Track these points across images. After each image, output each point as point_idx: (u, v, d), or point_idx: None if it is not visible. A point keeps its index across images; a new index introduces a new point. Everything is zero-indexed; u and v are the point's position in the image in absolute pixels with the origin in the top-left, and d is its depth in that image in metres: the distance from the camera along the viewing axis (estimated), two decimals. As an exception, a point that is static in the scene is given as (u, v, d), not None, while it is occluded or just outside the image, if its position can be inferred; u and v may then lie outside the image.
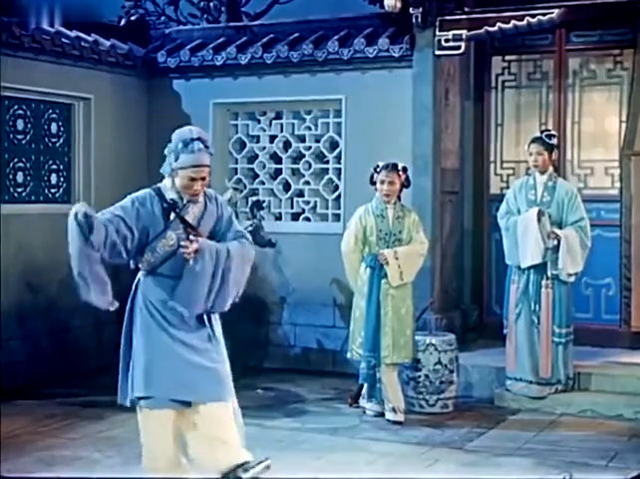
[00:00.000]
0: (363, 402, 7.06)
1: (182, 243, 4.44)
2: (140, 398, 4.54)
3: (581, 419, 6.92)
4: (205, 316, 4.66)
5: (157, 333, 4.50)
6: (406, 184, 6.90)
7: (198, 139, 4.49)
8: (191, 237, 4.46)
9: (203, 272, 4.45)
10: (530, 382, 7.14)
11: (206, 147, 4.52)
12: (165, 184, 4.59)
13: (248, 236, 4.81)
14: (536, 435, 6.48)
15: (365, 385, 6.96)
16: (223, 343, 4.83)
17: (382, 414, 6.87)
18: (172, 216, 4.51)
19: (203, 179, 4.50)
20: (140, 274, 4.63)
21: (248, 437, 6.35)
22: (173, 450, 4.63)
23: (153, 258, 4.51)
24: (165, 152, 4.57)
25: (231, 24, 9.83)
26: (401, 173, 6.84)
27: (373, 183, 6.90)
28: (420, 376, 7.07)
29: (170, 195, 4.53)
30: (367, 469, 5.68)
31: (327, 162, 8.93)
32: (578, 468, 5.66)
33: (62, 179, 8.69)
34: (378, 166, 6.86)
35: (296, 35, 8.95)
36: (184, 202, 4.53)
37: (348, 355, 7.03)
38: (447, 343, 7.12)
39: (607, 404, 7.01)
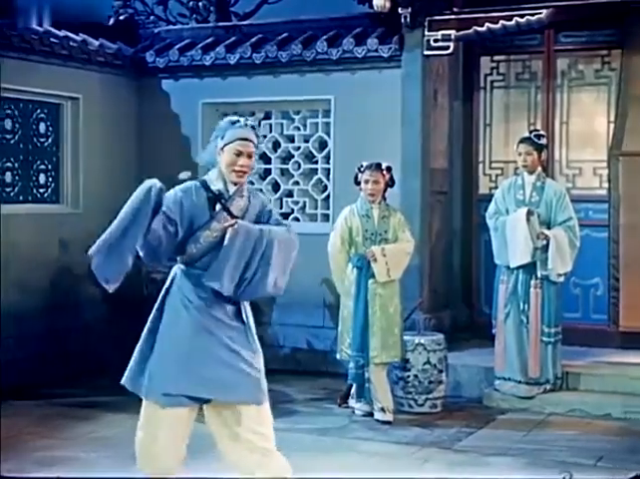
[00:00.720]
0: (352, 402, 7.06)
1: (212, 226, 4.36)
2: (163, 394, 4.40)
3: (570, 419, 6.94)
4: (241, 310, 4.55)
5: (190, 328, 4.39)
6: (390, 183, 6.93)
7: (246, 119, 4.52)
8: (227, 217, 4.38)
9: (240, 248, 4.34)
10: (519, 382, 7.16)
11: (253, 128, 4.49)
12: (211, 175, 4.49)
13: (292, 227, 4.73)
14: (525, 435, 6.50)
15: (354, 385, 6.96)
16: (257, 340, 4.72)
17: (371, 414, 6.88)
18: (218, 206, 4.40)
19: (249, 156, 4.42)
20: (176, 268, 4.51)
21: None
22: (182, 452, 4.60)
23: (195, 249, 4.38)
24: (211, 138, 4.53)
25: (220, 24, 9.82)
26: (385, 172, 6.86)
27: (357, 183, 6.92)
28: (409, 376, 7.08)
29: (217, 186, 4.43)
30: (357, 469, 5.69)
31: (316, 162, 8.93)
32: (567, 467, 5.67)
33: (50, 179, 8.67)
34: (362, 166, 6.88)
35: (285, 35, 8.95)
36: (230, 193, 4.45)
37: (337, 356, 7.04)
38: (436, 343, 7.14)
39: (595, 404, 7.04)
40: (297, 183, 9.02)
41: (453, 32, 8.02)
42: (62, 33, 8.60)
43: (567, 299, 7.92)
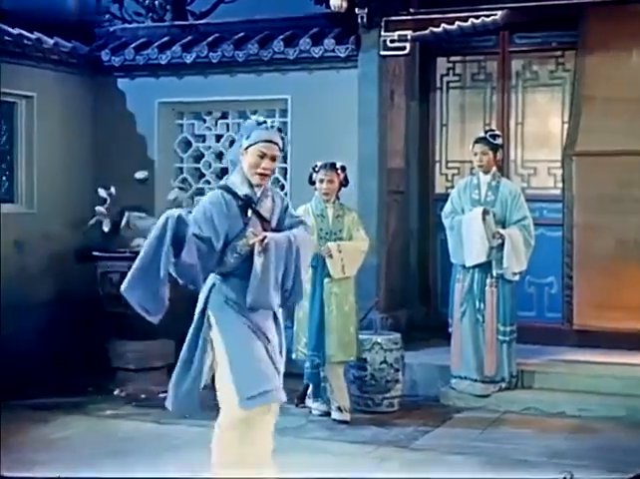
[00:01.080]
0: (309, 402, 7.07)
1: (247, 234, 4.34)
2: (258, 394, 4.40)
3: (525, 417, 7.00)
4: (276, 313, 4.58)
5: (249, 331, 4.40)
6: (344, 182, 6.96)
7: (272, 122, 4.51)
8: (255, 231, 4.36)
9: (276, 264, 4.34)
10: (475, 380, 7.21)
11: (280, 131, 4.49)
12: (233, 180, 4.45)
13: (305, 220, 4.75)
14: (481, 433, 6.54)
15: (310, 385, 6.97)
16: None
17: (328, 414, 6.88)
18: (250, 212, 4.39)
19: (273, 159, 4.41)
20: (214, 278, 4.47)
21: (195, 439, 6.37)
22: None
23: (233, 259, 4.37)
24: (236, 138, 4.53)
25: (176, 23, 9.74)
26: (339, 171, 6.89)
27: (312, 182, 6.95)
28: (366, 375, 7.10)
29: (243, 190, 4.40)
30: (314, 469, 5.68)
31: (273, 161, 8.91)
32: (522, 465, 5.74)
33: (4, 178, 8.56)
34: (316, 165, 6.91)
35: (242, 34, 8.92)
36: (258, 195, 4.42)
37: (293, 356, 7.02)
38: (392, 342, 7.16)
39: (550, 402, 7.11)
40: (254, 182, 8.99)
41: (409, 32, 8.04)
42: (16, 31, 8.49)
43: (522, 298, 7.99)
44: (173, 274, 4.25)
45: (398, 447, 6.19)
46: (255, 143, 4.37)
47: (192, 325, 4.55)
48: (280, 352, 4.59)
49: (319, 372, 6.84)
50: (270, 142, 4.39)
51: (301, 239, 4.48)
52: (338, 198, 6.98)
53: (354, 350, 6.90)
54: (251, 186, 4.40)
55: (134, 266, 4.27)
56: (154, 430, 6.62)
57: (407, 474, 5.62)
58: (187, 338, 4.55)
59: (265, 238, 4.31)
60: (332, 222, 6.89)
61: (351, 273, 6.90)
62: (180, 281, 4.36)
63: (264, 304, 4.38)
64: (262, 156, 4.36)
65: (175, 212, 4.24)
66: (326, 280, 6.81)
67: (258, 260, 4.31)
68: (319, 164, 6.91)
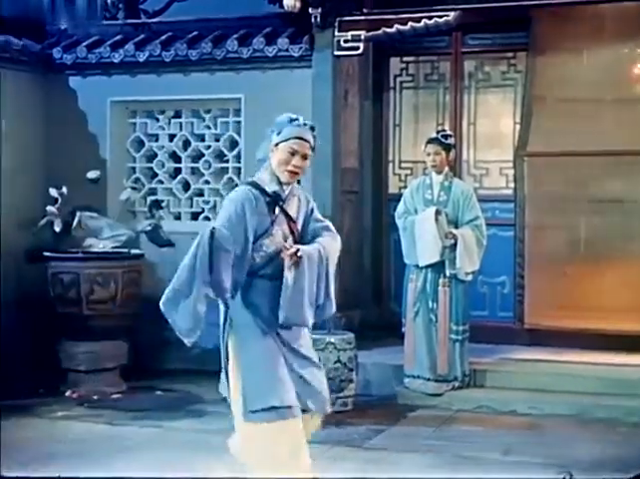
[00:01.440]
0: None
1: (282, 246, 4.17)
2: (262, 410, 4.20)
3: (477, 415, 7.06)
4: None
5: (263, 339, 4.23)
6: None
7: (305, 119, 4.35)
8: (287, 244, 4.19)
9: (309, 280, 4.18)
10: (428, 379, 7.26)
11: (312, 129, 4.32)
12: (261, 176, 4.31)
13: (330, 224, 4.51)
14: (434, 431, 6.58)
15: None
16: None
17: None
18: (277, 210, 4.25)
19: (304, 157, 4.26)
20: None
21: (148, 439, 6.34)
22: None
23: (259, 258, 4.21)
24: (268, 132, 4.36)
25: (129, 21, 9.67)
26: None
27: None
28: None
29: (272, 187, 4.25)
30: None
31: (227, 161, 8.90)
32: (474, 462, 5.78)
33: (-47, 177, 8.45)
34: None
35: (195, 33, 8.88)
36: (286, 193, 4.29)
37: None
38: (346, 342, 7.17)
39: (502, 400, 7.17)
40: (208, 182, 8.97)
41: (362, 33, 8.07)
42: (-35, 28, 8.40)
43: (475, 298, 8.05)
44: (210, 295, 4.09)
45: (351, 446, 6.20)
46: (286, 139, 4.24)
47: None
48: (316, 365, 4.45)
49: None
50: (302, 139, 4.25)
51: (330, 248, 4.33)
52: None
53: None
54: (280, 183, 4.27)
55: (172, 287, 4.19)
56: (106, 432, 6.57)
57: (361, 474, 5.64)
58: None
59: (298, 251, 4.14)
60: None
61: None
62: (214, 296, 4.16)
63: (298, 321, 4.21)
64: (293, 153, 4.23)
65: (210, 230, 4.04)
66: None
67: (289, 274, 4.13)
68: None
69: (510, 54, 8.65)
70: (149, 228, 8.22)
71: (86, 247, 8.06)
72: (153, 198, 8.87)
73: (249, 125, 8.59)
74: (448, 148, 7.28)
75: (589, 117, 8.21)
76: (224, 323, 4.35)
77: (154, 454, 5.95)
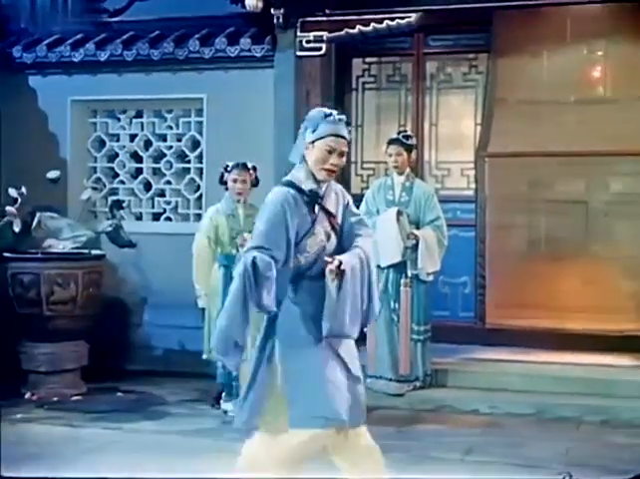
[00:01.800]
0: (224, 404, 7.03)
1: (326, 259, 3.98)
2: (309, 418, 4.01)
3: (439, 415, 7.08)
4: None
5: (315, 344, 4.03)
6: (255, 183, 6.98)
7: (339, 113, 4.14)
8: (328, 258, 3.99)
9: (352, 291, 4.01)
10: (390, 380, 7.27)
11: (347, 125, 4.15)
12: (297, 175, 4.13)
13: (365, 218, 4.40)
14: (396, 432, 6.58)
15: (222, 385, 6.95)
16: None
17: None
18: (317, 208, 4.09)
19: (341, 154, 4.08)
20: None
21: (108, 442, 6.30)
22: None
23: (303, 259, 4.05)
24: (300, 131, 4.19)
25: (90, 20, 9.61)
26: (251, 172, 6.90)
27: (224, 182, 6.95)
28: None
29: (308, 186, 4.08)
30: (232, 470, 5.63)
31: (189, 161, 8.87)
32: (436, 462, 5.80)
33: None
34: (228, 165, 6.94)
35: (157, 33, 8.84)
36: (323, 190, 4.12)
37: (204, 356, 7.00)
38: (308, 342, 7.16)
39: (463, 399, 7.20)
40: (169, 182, 8.93)
41: (325, 33, 8.07)
42: None
43: (436, 298, 8.08)
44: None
45: (313, 447, 6.19)
46: (322, 137, 4.06)
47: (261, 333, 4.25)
48: (357, 378, 4.21)
49: (231, 372, 6.83)
50: (339, 136, 4.08)
51: (368, 249, 4.15)
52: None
53: None
54: (316, 181, 4.10)
55: (224, 327, 4.01)
56: (66, 434, 6.52)
57: (322, 474, 5.63)
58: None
59: (340, 264, 3.95)
60: (243, 221, 6.92)
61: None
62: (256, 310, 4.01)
63: (342, 333, 4.03)
64: (330, 151, 4.06)
65: (250, 256, 3.85)
66: None
67: (332, 287, 3.98)
68: (231, 164, 6.94)
69: (472, 55, 8.70)
70: (109, 228, 8.16)
71: (46, 248, 7.99)
72: (114, 198, 8.82)
73: (211, 125, 8.57)
74: (409, 148, 7.31)
75: (550, 118, 8.28)
76: (268, 333, 4.18)
77: (114, 456, 5.91)
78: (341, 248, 4.14)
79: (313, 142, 4.08)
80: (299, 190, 4.07)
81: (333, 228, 4.14)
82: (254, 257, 3.86)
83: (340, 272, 3.96)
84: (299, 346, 4.05)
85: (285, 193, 4.06)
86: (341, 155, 4.09)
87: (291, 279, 4.06)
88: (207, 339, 6.94)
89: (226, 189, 6.98)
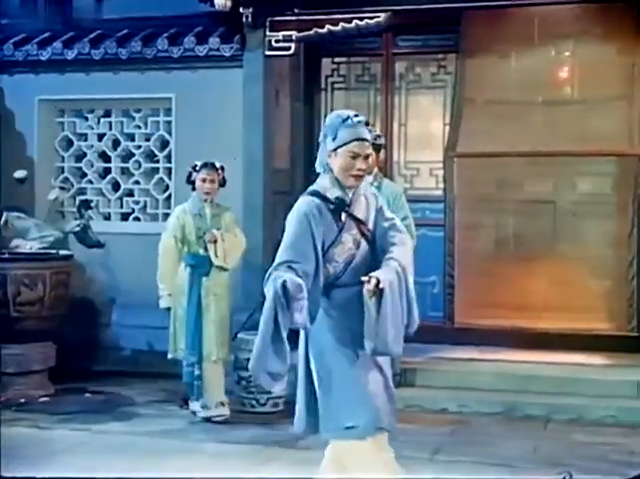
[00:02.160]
0: (192, 404, 6.99)
1: (362, 279, 3.84)
2: (347, 428, 3.94)
3: (408, 414, 7.06)
4: None
5: (350, 354, 3.95)
6: (222, 182, 6.97)
7: (357, 116, 4.01)
8: (364, 278, 3.84)
9: (392, 308, 3.90)
10: (359, 379, 7.27)
11: (367, 124, 4.03)
12: (322, 184, 4.03)
13: (399, 223, 4.21)
14: (365, 431, 6.59)
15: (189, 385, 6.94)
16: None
17: (207, 407, 6.88)
18: (344, 216, 3.98)
19: (366, 157, 3.99)
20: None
21: (76, 443, 6.26)
22: None
23: (332, 269, 3.97)
24: (319, 139, 4.08)
25: (58, 18, 9.55)
26: (219, 171, 6.92)
27: (191, 182, 6.94)
28: (250, 376, 7.05)
29: (334, 193, 3.98)
30: (201, 471, 5.64)
31: (157, 161, 8.84)
32: (406, 461, 5.80)
33: None
34: (196, 165, 6.92)
35: (125, 32, 8.80)
36: (350, 197, 4.01)
37: (170, 356, 6.99)
38: (278, 342, 7.15)
39: (432, 399, 7.22)
40: (138, 182, 8.89)
41: (294, 33, 8.07)
42: None
43: (405, 297, 8.07)
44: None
45: (283, 447, 6.19)
46: (345, 144, 3.95)
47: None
48: (389, 382, 4.12)
49: (193, 371, 6.83)
50: (361, 140, 3.97)
51: (404, 258, 4.03)
52: None
53: (230, 348, 6.99)
54: (342, 187, 4.00)
55: (260, 349, 3.87)
56: (34, 435, 6.47)
57: (293, 474, 5.63)
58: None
59: (378, 283, 3.82)
60: (210, 221, 6.91)
61: (231, 265, 6.96)
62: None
63: (386, 351, 3.94)
64: (355, 157, 3.96)
65: (280, 279, 3.72)
66: (204, 279, 6.85)
67: (371, 306, 3.85)
68: (199, 163, 6.92)
69: (441, 56, 8.71)
70: (77, 228, 8.11)
71: (13, 248, 7.93)
72: (82, 198, 8.77)
73: (180, 124, 8.55)
74: (378, 148, 7.31)
75: (518, 118, 8.31)
76: (305, 347, 4.09)
77: (83, 457, 5.88)
78: (374, 256, 4.05)
79: (335, 149, 3.97)
80: (324, 198, 3.98)
81: (363, 234, 4.04)
82: (284, 281, 3.71)
83: (379, 291, 3.83)
84: (332, 356, 3.97)
85: (309, 202, 3.98)
86: (366, 158, 4.00)
87: (323, 290, 3.97)
88: (173, 339, 6.94)
89: (193, 188, 6.96)
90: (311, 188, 4.11)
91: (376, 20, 7.88)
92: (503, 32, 8.32)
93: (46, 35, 8.98)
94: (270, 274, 3.86)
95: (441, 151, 8.60)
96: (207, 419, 6.83)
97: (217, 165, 6.93)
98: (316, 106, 8.98)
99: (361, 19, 7.90)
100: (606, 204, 8.31)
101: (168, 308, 6.93)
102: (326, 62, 8.99)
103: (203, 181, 6.87)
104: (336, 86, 9.00)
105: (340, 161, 3.98)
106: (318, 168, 4.11)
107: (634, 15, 7.98)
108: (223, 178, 6.99)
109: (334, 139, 3.97)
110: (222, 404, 6.86)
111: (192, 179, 6.93)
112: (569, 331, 8.05)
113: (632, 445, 6.23)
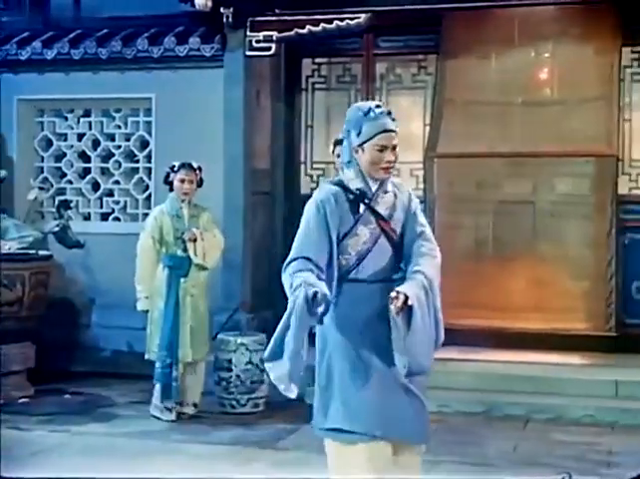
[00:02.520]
0: (158, 402, 6.96)
1: (391, 295, 3.70)
2: (339, 430, 3.89)
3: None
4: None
5: (353, 355, 3.84)
6: (199, 183, 6.98)
7: (378, 106, 3.87)
8: (393, 294, 3.70)
9: (422, 324, 3.79)
10: (339, 379, 7.28)
11: (389, 114, 3.87)
12: (347, 175, 3.91)
13: (429, 231, 4.07)
14: (346, 431, 6.60)
15: (158, 385, 6.93)
16: None
17: (178, 413, 6.89)
18: (362, 208, 3.86)
19: (394, 148, 3.84)
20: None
21: (55, 444, 6.24)
22: None
23: (345, 261, 3.84)
24: (342, 135, 3.98)
25: (37, 18, 9.52)
26: (197, 172, 6.93)
27: (169, 183, 6.93)
28: (231, 376, 7.08)
29: (356, 184, 3.88)
30: (181, 472, 5.64)
31: (137, 161, 8.81)
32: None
33: None
34: (174, 165, 6.94)
35: (105, 31, 8.77)
36: (373, 191, 3.89)
37: (146, 356, 6.99)
38: (258, 343, 7.16)
39: (413, 398, 7.22)
40: (118, 182, 8.87)
41: (274, 33, 8.07)
42: None
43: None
44: None
45: (263, 448, 6.20)
46: (371, 137, 3.82)
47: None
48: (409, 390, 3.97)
49: (170, 372, 6.83)
50: (387, 131, 3.83)
51: (431, 272, 3.91)
52: None
53: (207, 349, 7.01)
54: (365, 180, 3.88)
55: (289, 356, 3.79)
56: (13, 437, 6.43)
57: (272, 474, 5.64)
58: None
59: (407, 300, 3.70)
60: (188, 221, 6.93)
61: (210, 265, 6.96)
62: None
63: (420, 370, 3.87)
64: (382, 149, 3.82)
65: (301, 292, 3.65)
66: (182, 280, 6.86)
67: (398, 319, 3.72)
68: (177, 164, 6.93)
69: (421, 56, 8.74)
70: (57, 228, 8.08)
71: (-8, 248, 7.88)
72: (61, 198, 8.73)
73: (160, 125, 8.53)
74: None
75: (498, 119, 8.35)
76: (322, 343, 3.99)
77: (62, 459, 5.86)
78: (396, 257, 3.93)
79: (361, 144, 3.85)
80: (345, 188, 3.89)
81: (384, 231, 3.89)
82: (306, 296, 3.63)
83: (407, 308, 3.72)
84: (334, 352, 3.91)
85: (327, 190, 3.91)
86: (393, 149, 3.86)
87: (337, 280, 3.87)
88: (150, 340, 6.93)
89: (171, 189, 6.96)
90: (336, 177, 4.03)
91: (356, 21, 7.89)
92: (484, 33, 8.35)
93: (25, 34, 8.93)
94: (288, 266, 3.83)
95: (421, 151, 8.62)
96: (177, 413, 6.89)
97: (195, 165, 6.94)
98: (297, 106, 8.99)
99: (342, 20, 7.90)
100: (585, 204, 8.35)
101: (147, 311, 6.92)
102: (307, 62, 9.00)
103: (182, 181, 6.87)
104: (317, 86, 9.01)
105: (367, 155, 3.85)
106: (344, 162, 4.00)
107: (613, 16, 8.04)
108: (201, 178, 6.99)
109: (358, 134, 3.85)
110: (195, 406, 6.95)
111: (170, 179, 6.94)
112: (548, 331, 8.10)
113: (610, 444, 6.27)
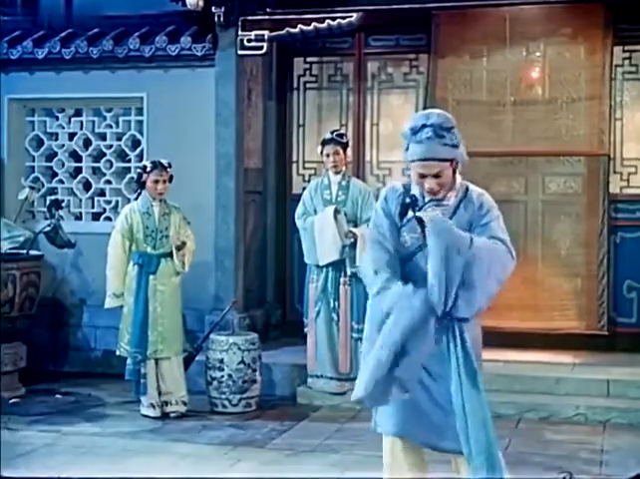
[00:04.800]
0: (143, 400, 7.00)
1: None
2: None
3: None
4: (456, 332, 4.11)
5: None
6: (170, 179, 7.03)
7: (431, 125, 3.71)
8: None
9: (434, 251, 3.69)
10: (330, 378, 7.29)
11: (440, 136, 3.71)
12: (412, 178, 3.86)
13: (509, 244, 4.04)
14: (337, 430, 6.61)
15: (133, 382, 6.99)
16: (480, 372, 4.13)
17: (165, 413, 6.93)
18: (410, 214, 3.80)
19: (437, 176, 3.72)
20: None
21: (46, 445, 6.23)
22: None
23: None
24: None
25: (28, 17, 9.49)
26: (168, 169, 6.98)
27: (142, 183, 6.98)
28: (223, 376, 7.07)
29: (414, 190, 3.83)
30: (171, 472, 5.63)
31: (129, 160, 8.79)
32: (378, 461, 5.81)
33: None
34: (146, 166, 6.99)
35: (96, 30, 8.75)
36: (426, 200, 3.81)
37: (117, 352, 7.03)
38: (249, 342, 7.16)
39: (404, 398, 7.22)
40: (109, 181, 8.84)
41: (266, 32, 8.05)
42: None
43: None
44: None
45: (254, 447, 6.19)
46: (412, 161, 3.75)
47: None
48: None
49: (140, 369, 6.89)
50: (426, 160, 3.71)
51: (486, 249, 3.82)
52: None
53: (180, 346, 7.04)
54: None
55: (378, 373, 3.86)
56: (4, 437, 6.41)
57: (263, 474, 5.63)
58: None
59: (436, 214, 3.71)
60: (158, 220, 6.97)
61: (187, 268, 7.03)
62: None
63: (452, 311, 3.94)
64: (422, 176, 3.75)
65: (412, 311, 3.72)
66: (151, 278, 6.90)
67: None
68: (148, 164, 6.99)
69: (412, 55, 8.73)
70: (48, 228, 8.07)
71: (-19, 248, 7.87)
72: (52, 197, 8.70)
73: (152, 124, 8.51)
74: (345, 146, 7.35)
75: (489, 118, 8.34)
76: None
77: (53, 459, 5.85)
78: None
79: (408, 162, 3.81)
80: (407, 191, 3.86)
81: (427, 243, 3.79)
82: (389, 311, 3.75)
83: (430, 219, 3.69)
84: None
85: (392, 187, 3.93)
86: (436, 177, 3.75)
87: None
88: (120, 337, 7.02)
89: (142, 188, 7.02)
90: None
91: (348, 20, 7.89)
92: (475, 32, 8.34)
93: (16, 34, 8.91)
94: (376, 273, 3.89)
95: (413, 150, 8.60)
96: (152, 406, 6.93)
97: (165, 163, 6.97)
98: (288, 105, 8.98)
99: (333, 19, 7.90)
100: (576, 203, 8.36)
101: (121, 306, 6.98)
102: (298, 61, 8.99)
103: (156, 182, 6.94)
104: (308, 85, 9.00)
105: (413, 174, 3.81)
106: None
107: (604, 15, 8.04)
108: (171, 175, 7.01)
109: (407, 149, 3.80)
110: (185, 403, 6.98)
111: (143, 179, 6.97)
112: (540, 330, 8.10)
113: (602, 443, 6.28)
